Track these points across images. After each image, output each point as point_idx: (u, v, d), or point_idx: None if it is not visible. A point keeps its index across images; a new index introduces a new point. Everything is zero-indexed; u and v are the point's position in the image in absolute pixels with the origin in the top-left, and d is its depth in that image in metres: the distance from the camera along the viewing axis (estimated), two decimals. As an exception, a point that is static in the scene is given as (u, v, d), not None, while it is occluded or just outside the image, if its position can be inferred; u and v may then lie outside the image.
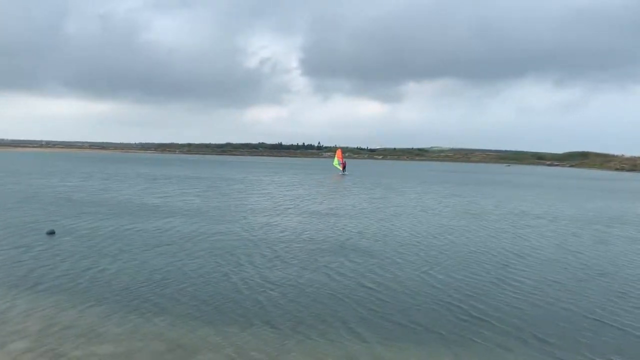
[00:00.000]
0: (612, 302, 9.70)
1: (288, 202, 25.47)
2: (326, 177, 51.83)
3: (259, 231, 16.37)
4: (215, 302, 8.91)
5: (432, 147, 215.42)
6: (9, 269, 10.67)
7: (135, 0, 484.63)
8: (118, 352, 6.74)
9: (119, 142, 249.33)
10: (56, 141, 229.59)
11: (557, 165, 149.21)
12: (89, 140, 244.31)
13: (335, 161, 60.90)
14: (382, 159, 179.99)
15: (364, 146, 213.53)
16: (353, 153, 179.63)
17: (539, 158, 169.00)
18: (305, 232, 16.46)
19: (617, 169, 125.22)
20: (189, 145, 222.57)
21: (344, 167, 58.49)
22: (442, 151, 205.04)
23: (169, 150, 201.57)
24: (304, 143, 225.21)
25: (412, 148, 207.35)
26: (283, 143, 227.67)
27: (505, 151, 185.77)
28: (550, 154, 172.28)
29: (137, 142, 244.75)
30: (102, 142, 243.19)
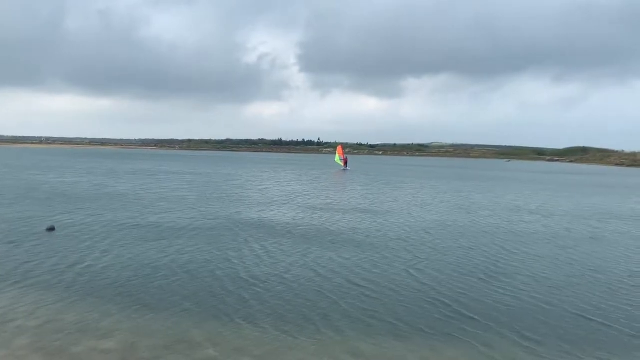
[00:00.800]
0: (601, 298, 9.61)
1: (285, 198, 25.40)
2: (326, 173, 51.72)
3: (253, 226, 16.30)
4: (213, 297, 8.87)
5: (432, 143, 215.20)
6: (8, 266, 10.60)
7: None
8: (119, 347, 6.71)
9: (118, 138, 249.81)
10: (56, 137, 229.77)
11: (557, 160, 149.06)
12: (88, 137, 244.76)
13: (337, 157, 60.77)
14: (383, 154, 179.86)
15: (364, 142, 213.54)
16: (353, 149, 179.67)
17: (539, 153, 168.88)
18: (298, 228, 16.39)
19: (617, 165, 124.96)
20: (189, 141, 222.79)
21: (345, 163, 58.52)
22: (442, 147, 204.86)
23: (168, 146, 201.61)
24: (304, 139, 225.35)
25: (412, 144, 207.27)
26: (283, 139, 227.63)
27: (506, 147, 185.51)
28: (550, 149, 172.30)
29: (137, 138, 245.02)
30: (102, 139, 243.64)
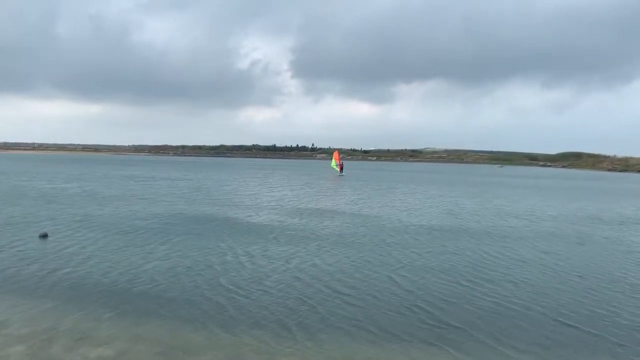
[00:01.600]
0: (582, 304, 9.56)
1: (275, 203, 25.29)
2: (319, 178, 51.69)
3: (240, 232, 16.19)
4: (201, 304, 8.75)
5: (425, 148, 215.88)
6: (0, 273, 10.45)
7: (127, 1, 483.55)
8: (110, 354, 6.64)
9: (111, 144, 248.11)
10: (48, 143, 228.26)
11: (550, 165, 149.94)
12: (81, 143, 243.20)
13: (333, 163, 61.84)
14: (376, 160, 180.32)
15: (357, 147, 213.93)
16: (347, 154, 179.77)
17: (531, 159, 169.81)
18: (286, 233, 16.29)
19: (609, 170, 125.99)
20: (183, 147, 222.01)
21: (341, 169, 59.23)
22: (435, 152, 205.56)
23: (162, 152, 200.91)
24: (297, 145, 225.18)
25: (406, 149, 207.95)
26: (276, 144, 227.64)
27: (498, 152, 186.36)
28: (543, 154, 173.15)
29: (130, 144, 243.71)
30: (95, 145, 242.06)
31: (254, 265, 11.86)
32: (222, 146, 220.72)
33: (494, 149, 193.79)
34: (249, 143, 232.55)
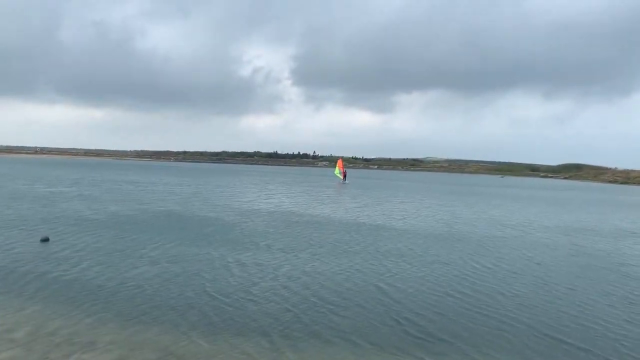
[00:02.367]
0: (571, 317, 9.44)
1: (273, 209, 25.23)
2: (320, 186, 51.66)
3: (233, 239, 16.13)
4: (186, 312, 8.69)
5: (427, 158, 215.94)
6: (1, 277, 10.43)
7: (131, 7, 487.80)
8: None
9: (114, 149, 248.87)
10: (50, 148, 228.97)
11: (551, 177, 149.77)
12: (83, 147, 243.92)
13: (337, 170, 62.52)
14: (378, 168, 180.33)
15: (359, 155, 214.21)
16: (349, 162, 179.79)
17: (533, 170, 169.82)
18: (279, 239, 16.22)
19: (610, 182, 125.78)
20: (185, 152, 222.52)
21: (344, 176, 59.52)
22: (437, 162, 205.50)
23: (164, 158, 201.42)
24: (299, 152, 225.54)
25: (407, 158, 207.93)
26: (278, 151, 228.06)
27: (500, 162, 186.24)
28: (545, 165, 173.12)
29: (132, 149, 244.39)
30: (97, 149, 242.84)
31: (243, 272, 11.78)
32: (224, 152, 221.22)
33: (495, 160, 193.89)
34: (250, 149, 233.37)
